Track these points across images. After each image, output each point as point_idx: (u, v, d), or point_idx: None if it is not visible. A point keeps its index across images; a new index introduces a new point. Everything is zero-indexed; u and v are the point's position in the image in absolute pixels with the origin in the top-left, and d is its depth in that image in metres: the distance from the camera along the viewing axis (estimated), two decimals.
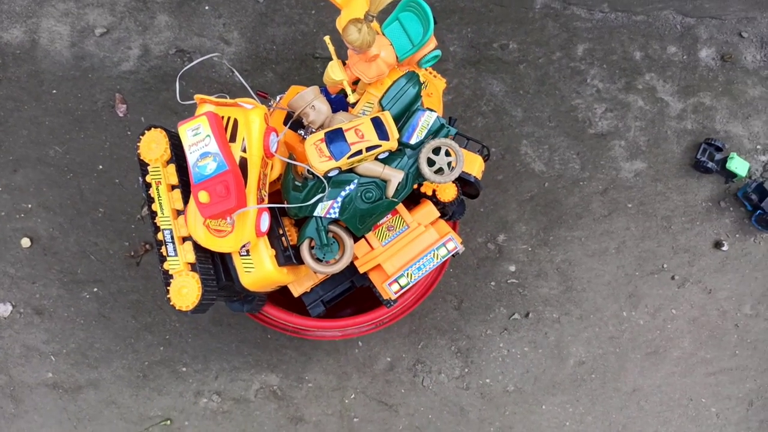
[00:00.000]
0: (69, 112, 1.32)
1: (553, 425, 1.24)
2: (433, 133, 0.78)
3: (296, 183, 0.76)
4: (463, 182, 0.89)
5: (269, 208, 0.76)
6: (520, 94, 1.42)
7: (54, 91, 1.33)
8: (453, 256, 0.82)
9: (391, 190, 0.76)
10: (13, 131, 1.29)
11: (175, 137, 0.81)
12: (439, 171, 0.79)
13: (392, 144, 0.76)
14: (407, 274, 0.79)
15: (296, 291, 0.91)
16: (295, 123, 0.80)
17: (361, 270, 0.81)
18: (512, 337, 1.27)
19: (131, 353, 1.21)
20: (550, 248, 1.32)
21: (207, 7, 1.41)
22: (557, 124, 1.40)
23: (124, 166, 1.29)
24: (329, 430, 1.20)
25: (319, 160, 0.73)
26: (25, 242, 1.24)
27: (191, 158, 0.69)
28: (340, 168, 0.74)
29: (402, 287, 0.79)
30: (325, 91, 0.85)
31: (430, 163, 0.78)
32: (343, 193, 0.75)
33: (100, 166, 1.29)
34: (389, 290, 0.79)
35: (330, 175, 0.75)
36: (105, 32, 1.38)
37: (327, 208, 0.76)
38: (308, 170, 0.75)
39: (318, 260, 0.78)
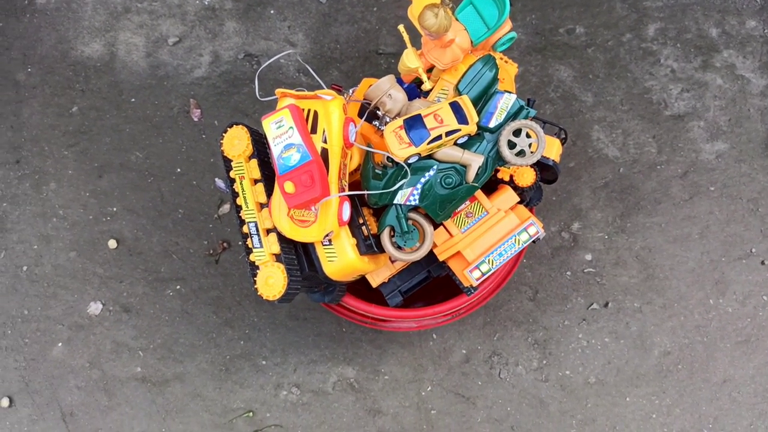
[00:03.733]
0: (147, 119, 1.39)
1: (639, 417, 1.20)
2: (512, 116, 0.78)
3: (376, 171, 0.78)
4: (541, 167, 0.88)
5: (350, 197, 0.77)
6: (589, 78, 1.40)
7: (133, 100, 1.40)
8: (534, 241, 0.81)
9: (471, 175, 0.76)
10: (97, 139, 1.37)
11: (255, 134, 0.84)
12: (520, 153, 0.79)
13: (471, 128, 0.77)
14: (488, 260, 0.80)
15: (374, 281, 0.93)
16: (370, 115, 0.82)
17: (441, 257, 0.82)
18: (591, 327, 1.24)
19: (213, 348, 1.25)
20: (628, 235, 1.29)
21: (272, 11, 1.46)
22: (630, 107, 1.37)
23: (201, 169, 1.34)
24: (407, 422, 1.21)
25: (399, 146, 0.74)
26: (112, 244, 1.31)
27: (275, 150, 0.72)
28: (420, 154, 0.76)
29: (483, 274, 0.80)
30: (398, 80, 0.86)
31: (511, 145, 0.78)
32: (422, 180, 0.76)
33: (178, 169, 1.35)
34: (470, 277, 0.80)
35: (410, 161, 0.76)
36: (177, 41, 1.44)
37: (407, 195, 0.77)
38: (388, 158, 0.77)
39: (398, 248, 0.79)
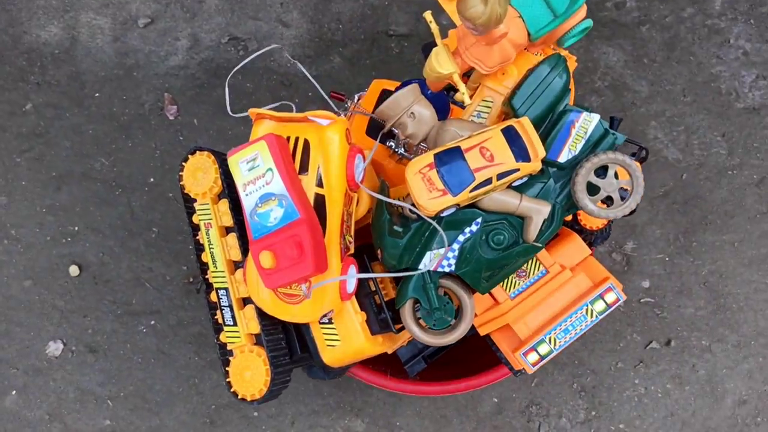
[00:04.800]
0: (114, 117, 1.16)
1: None
2: (593, 145, 0.55)
3: (395, 227, 0.55)
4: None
5: (357, 265, 0.55)
6: (644, 63, 1.16)
7: (97, 95, 1.17)
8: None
9: (532, 232, 0.53)
10: (55, 143, 1.15)
11: (226, 163, 0.62)
12: (607, 201, 0.56)
13: (535, 165, 0.53)
14: (549, 339, 0.58)
15: (390, 347, 0.72)
16: (384, 134, 0.60)
17: (482, 332, 0.60)
18: (650, 371, 1.03)
19: (195, 395, 1.05)
20: (693, 257, 1.07)
21: None
22: (694, 98, 1.14)
23: (177, 177, 1.11)
24: None
25: (428, 195, 0.51)
26: (74, 270, 1.10)
27: (248, 203, 0.50)
28: (458, 204, 0.53)
29: (542, 357, 0.58)
30: (422, 85, 0.63)
31: (592, 190, 0.55)
32: (461, 238, 0.54)
33: (151, 179, 1.13)
34: (524, 361, 0.58)
35: (444, 215, 0.53)
36: (149, 22, 1.21)
37: (439, 259, 0.54)
38: (411, 208, 0.54)
39: (425, 327, 0.57)
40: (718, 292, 1.06)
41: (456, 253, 0.54)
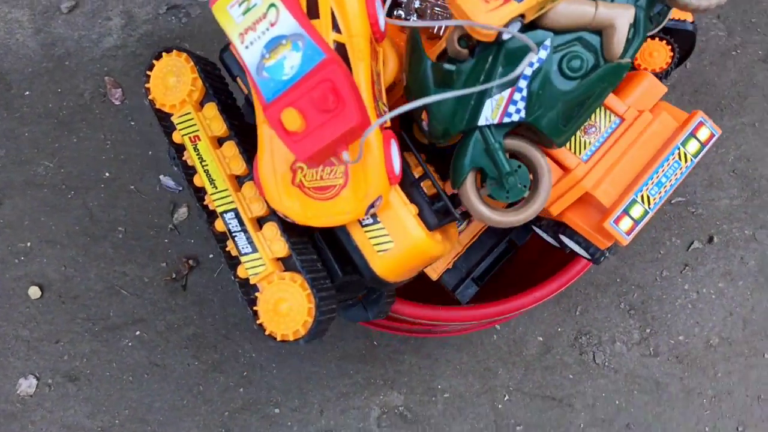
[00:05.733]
0: (51, 114, 1.02)
1: None
2: None
3: (445, 66, 0.43)
4: (674, 35, 0.56)
5: (400, 128, 0.43)
6: None
7: (27, 93, 1.03)
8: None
9: (616, 44, 0.42)
10: None
11: (204, 64, 0.49)
12: None
13: None
14: (641, 197, 0.47)
15: (434, 272, 0.60)
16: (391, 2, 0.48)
17: (555, 210, 0.49)
18: (698, 273, 0.94)
19: (203, 405, 0.91)
20: (716, 146, 0.99)
21: None
22: None
23: (137, 167, 0.98)
24: None
25: (485, 7, 0.38)
26: (34, 292, 0.94)
27: (250, 58, 0.37)
28: (523, 17, 0.40)
29: (637, 222, 0.47)
30: None
31: None
32: (528, 71, 0.42)
33: (107, 174, 0.99)
34: (616, 231, 0.46)
35: (505, 37, 0.41)
36: (74, 6, 1.07)
37: (502, 106, 0.43)
38: (460, 40, 0.42)
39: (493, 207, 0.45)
40: (749, 176, 0.98)
41: (524, 93, 0.43)
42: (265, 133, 0.43)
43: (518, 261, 0.67)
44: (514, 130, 0.45)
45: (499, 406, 0.91)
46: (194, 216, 0.98)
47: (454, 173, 0.45)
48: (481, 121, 0.44)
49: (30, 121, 1.02)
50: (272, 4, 0.37)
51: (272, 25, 0.37)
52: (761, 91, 1.01)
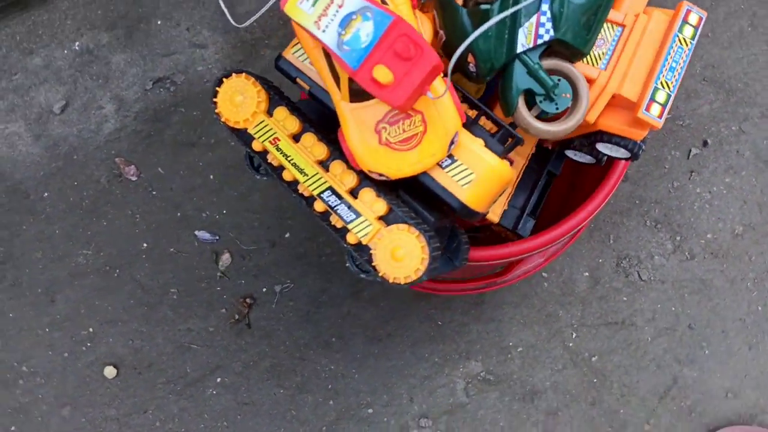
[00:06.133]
0: (75, 207, 1.06)
1: None
2: None
3: (482, 7, 0.50)
4: None
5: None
6: None
7: (45, 195, 1.07)
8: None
9: None
10: (25, 260, 1.04)
11: (258, 77, 0.56)
12: None
13: None
14: (661, 84, 0.54)
15: (495, 215, 0.66)
16: None
17: (592, 117, 0.56)
18: (704, 175, 1.02)
19: (300, 427, 0.95)
20: None
21: (159, 22, 1.16)
22: None
23: (171, 231, 1.03)
24: (572, 386, 0.95)
25: None
26: (110, 372, 0.97)
27: (329, 39, 0.44)
28: None
29: (664, 105, 0.54)
30: None
31: None
32: None
33: (144, 244, 1.03)
34: (649, 118, 0.54)
35: None
36: (65, 105, 1.13)
37: (533, 31, 0.50)
38: None
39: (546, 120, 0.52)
40: (719, 80, 1.08)
41: (548, 15, 0.50)
42: (344, 109, 0.50)
43: (555, 193, 0.74)
44: (546, 51, 0.53)
45: (570, 344, 0.97)
46: (238, 258, 1.03)
47: (505, 103, 0.53)
48: (519, 48, 0.51)
49: (57, 219, 1.07)
50: None
51: (340, 6, 0.44)
52: (708, 3, 1.11)
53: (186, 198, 1.06)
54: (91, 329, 1.00)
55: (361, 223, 0.52)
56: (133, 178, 1.08)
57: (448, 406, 0.95)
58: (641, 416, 0.94)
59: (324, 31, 0.44)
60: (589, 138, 0.61)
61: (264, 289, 1.02)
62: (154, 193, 1.07)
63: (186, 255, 1.04)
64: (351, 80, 0.48)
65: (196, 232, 1.04)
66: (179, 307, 1.01)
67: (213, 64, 1.14)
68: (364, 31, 0.43)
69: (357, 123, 0.50)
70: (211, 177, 1.07)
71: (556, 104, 0.52)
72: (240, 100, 0.55)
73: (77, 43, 1.17)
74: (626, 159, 0.61)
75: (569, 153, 0.66)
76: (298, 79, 0.55)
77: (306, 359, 0.98)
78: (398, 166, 0.50)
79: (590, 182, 0.71)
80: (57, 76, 1.15)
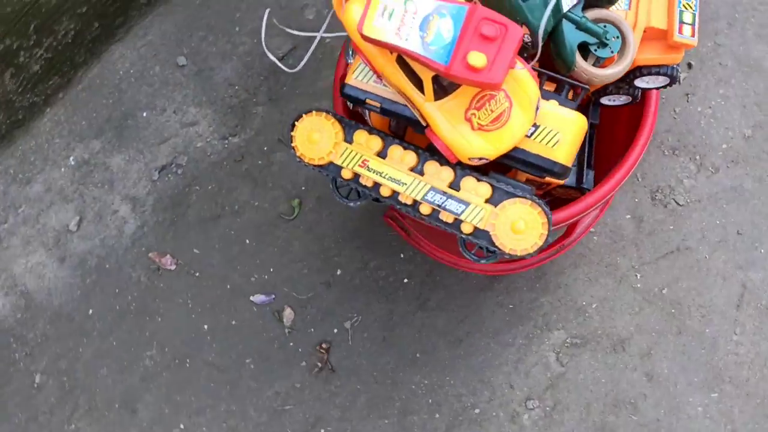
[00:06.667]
0: (124, 313, 1.06)
1: None
2: None
3: None
4: None
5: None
6: None
7: (90, 312, 1.07)
8: None
9: None
10: (92, 381, 1.04)
11: (327, 111, 0.58)
12: None
13: None
14: (684, 6, 0.59)
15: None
16: None
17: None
18: (698, 94, 1.09)
19: None
20: None
21: (145, 114, 1.19)
22: None
23: (225, 303, 1.05)
24: (654, 323, 0.98)
25: None
26: None
27: (413, 46, 0.47)
28: None
29: (693, 24, 0.59)
30: None
31: None
32: None
33: (205, 326, 1.04)
34: (684, 38, 0.58)
35: None
36: (79, 220, 1.13)
37: None
38: None
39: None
40: None
41: None
42: (430, 109, 0.52)
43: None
44: (585, 6, 0.57)
45: (638, 285, 1.00)
46: (300, 309, 1.03)
47: (563, 60, 0.56)
48: (565, 8, 0.55)
49: (109, 331, 1.06)
50: (406, 0, 0.47)
51: (415, 13, 0.47)
52: None
53: (230, 269, 1.07)
54: (182, 425, 0.99)
55: (473, 210, 0.54)
56: (172, 267, 1.08)
57: (547, 381, 0.97)
58: (726, 329, 0.97)
59: (407, 39, 0.47)
60: (625, 79, 0.65)
61: (335, 330, 1.02)
62: (197, 274, 1.07)
63: (249, 323, 1.04)
64: (433, 80, 0.51)
65: (251, 298, 1.05)
66: (260, 375, 1.01)
67: (210, 136, 1.16)
68: (445, 27, 0.46)
69: (447, 117, 0.52)
70: (247, 241, 1.08)
71: (611, 48, 0.56)
72: (318, 137, 0.57)
73: (71, 158, 1.17)
74: (666, 86, 0.65)
75: (604, 100, 0.70)
76: (367, 100, 0.58)
77: (398, 382, 0.99)
78: (495, 145, 0.52)
79: (622, 127, 0.75)
80: (62, 195, 1.15)
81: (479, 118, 0.52)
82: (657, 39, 0.61)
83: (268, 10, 0.70)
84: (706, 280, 1.00)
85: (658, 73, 0.63)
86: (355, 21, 0.47)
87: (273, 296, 1.05)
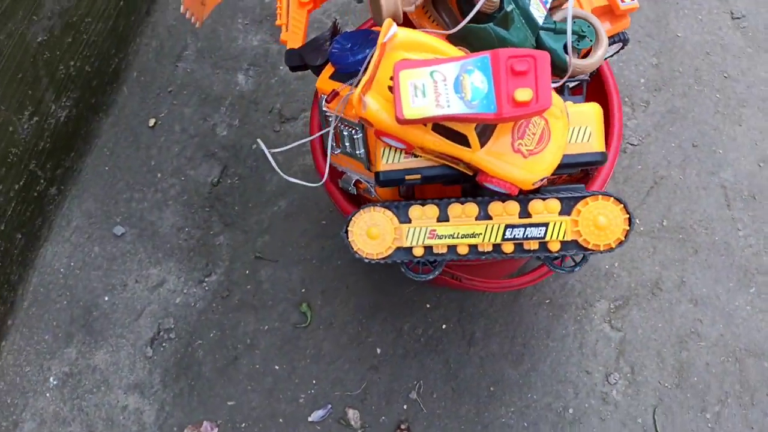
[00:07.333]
0: None
1: None
2: None
3: (496, 13, 0.56)
4: None
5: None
6: None
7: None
8: None
9: None
10: None
11: (382, 203, 0.58)
12: None
13: None
14: None
15: None
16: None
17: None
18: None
19: None
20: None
21: (107, 298, 1.13)
22: None
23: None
24: (672, 255, 1.06)
25: None
26: None
27: (457, 108, 0.48)
28: None
29: None
30: None
31: None
32: None
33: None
34: (628, 5, 0.64)
35: None
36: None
37: (539, 2, 0.58)
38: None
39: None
40: None
41: None
42: (481, 156, 0.54)
43: None
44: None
45: (641, 228, 1.06)
46: (361, 405, 1.00)
47: (557, 63, 0.60)
48: (540, 20, 0.58)
49: None
50: (431, 72, 0.48)
51: (444, 80, 0.48)
52: None
53: (273, 402, 1.01)
54: None
55: (553, 228, 0.56)
56: (215, 431, 1.01)
57: (614, 351, 1.00)
58: (730, 229, 1.05)
59: (449, 105, 0.48)
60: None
61: (404, 407, 1.00)
62: (243, 425, 1.01)
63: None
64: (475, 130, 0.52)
65: (310, 419, 1.00)
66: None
67: (184, 287, 1.10)
68: (477, 80, 0.47)
69: (499, 158, 0.54)
70: (276, 367, 1.03)
71: (589, 39, 0.60)
72: (377, 231, 0.56)
73: (51, 378, 1.07)
74: (620, 49, 0.71)
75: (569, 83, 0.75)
76: (407, 177, 0.58)
77: (488, 423, 0.98)
78: (550, 162, 0.54)
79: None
80: (59, 420, 1.05)
81: (526, 145, 0.54)
82: (605, 14, 0.67)
83: (258, 140, 0.68)
84: (691, 197, 1.08)
85: (614, 42, 0.68)
86: (379, 113, 0.48)
87: (329, 406, 1.00)
